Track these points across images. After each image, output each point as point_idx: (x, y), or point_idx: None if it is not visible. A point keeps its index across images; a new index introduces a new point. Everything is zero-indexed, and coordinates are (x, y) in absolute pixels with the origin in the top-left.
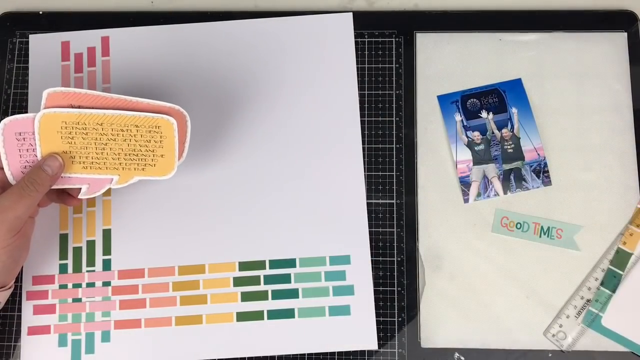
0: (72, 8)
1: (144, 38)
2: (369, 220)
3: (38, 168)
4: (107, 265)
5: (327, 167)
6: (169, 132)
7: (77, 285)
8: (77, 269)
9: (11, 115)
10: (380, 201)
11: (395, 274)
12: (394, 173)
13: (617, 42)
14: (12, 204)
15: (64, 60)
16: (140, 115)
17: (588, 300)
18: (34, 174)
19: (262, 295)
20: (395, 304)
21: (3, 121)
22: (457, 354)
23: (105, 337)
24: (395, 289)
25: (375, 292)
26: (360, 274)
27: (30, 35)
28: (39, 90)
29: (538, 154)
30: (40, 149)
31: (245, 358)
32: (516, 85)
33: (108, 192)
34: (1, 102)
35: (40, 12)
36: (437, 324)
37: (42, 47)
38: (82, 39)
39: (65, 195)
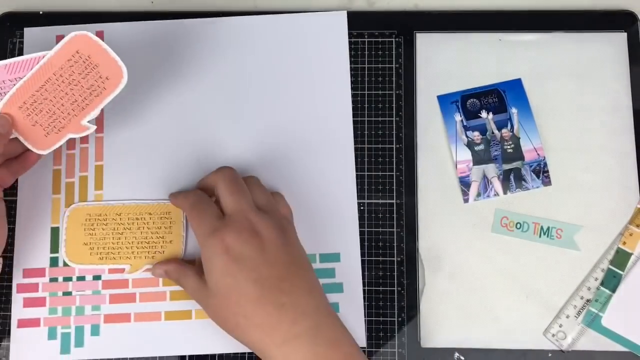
0: (72, 8)
1: (138, 33)
2: (368, 220)
3: None
4: None
5: (318, 164)
6: (177, 217)
7: (67, 279)
8: None
9: None
10: (380, 201)
11: (395, 274)
12: (394, 173)
13: (617, 42)
14: None
15: None
16: (153, 203)
17: (588, 300)
18: None
19: None
20: (395, 304)
21: None
22: (457, 354)
23: (95, 330)
24: (395, 289)
25: (375, 292)
26: (350, 272)
27: (25, 29)
28: None
29: (538, 154)
30: (65, 240)
31: (233, 354)
32: (516, 86)
33: (99, 186)
34: None
35: (41, 12)
36: (437, 324)
37: (37, 40)
38: None
39: (23, 159)
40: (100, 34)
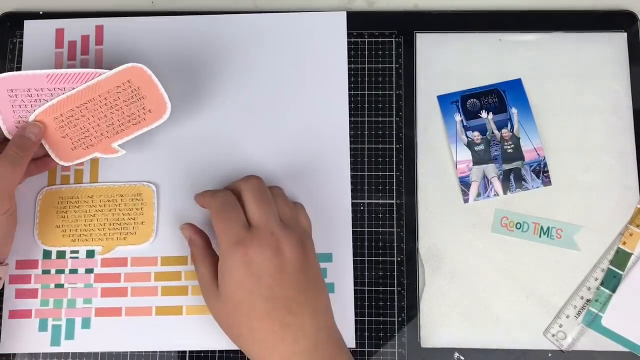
0: (72, 8)
1: (137, 29)
2: (368, 220)
3: (22, 136)
4: (90, 252)
5: (313, 165)
6: (149, 199)
7: (60, 271)
8: (61, 255)
9: None
10: (380, 201)
11: (395, 274)
12: (394, 173)
13: (617, 42)
14: (5, 172)
15: (57, 47)
16: (124, 185)
17: (588, 300)
18: (20, 141)
19: None
20: (395, 304)
21: None
22: (457, 354)
23: (86, 323)
24: (395, 289)
25: (375, 292)
26: (341, 272)
27: (26, 22)
28: None
29: (538, 154)
30: (38, 222)
31: (224, 351)
32: (516, 85)
33: (94, 179)
34: None
35: (41, 12)
36: (437, 324)
37: (37, 33)
38: (77, 27)
39: (41, 163)
40: (100, 29)
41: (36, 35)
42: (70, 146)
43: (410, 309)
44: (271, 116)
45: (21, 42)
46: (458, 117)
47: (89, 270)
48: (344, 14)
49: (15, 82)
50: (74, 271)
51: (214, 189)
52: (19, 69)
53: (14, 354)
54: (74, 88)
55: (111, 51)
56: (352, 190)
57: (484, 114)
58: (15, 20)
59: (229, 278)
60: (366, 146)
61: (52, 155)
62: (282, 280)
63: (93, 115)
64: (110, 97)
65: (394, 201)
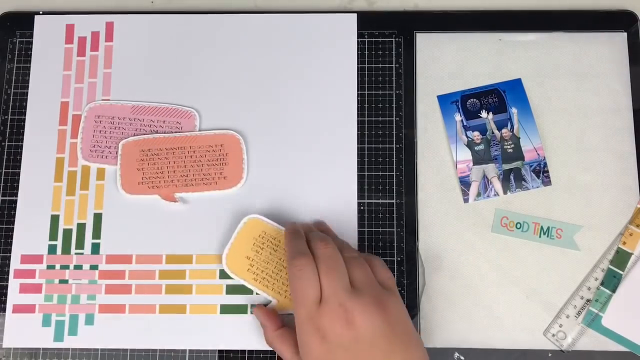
0: (72, 8)
1: (147, 26)
2: (369, 220)
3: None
4: (95, 249)
5: (321, 165)
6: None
7: (64, 267)
8: (66, 250)
9: (11, 113)
10: (380, 201)
11: (395, 274)
12: (394, 173)
13: (617, 42)
14: None
15: (67, 42)
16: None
17: (588, 300)
18: None
19: (247, 289)
20: None
21: (89, 104)
22: (457, 354)
23: (89, 320)
24: None
25: None
26: None
27: (36, 16)
28: (41, 71)
29: (538, 154)
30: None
31: (226, 350)
32: (516, 85)
33: (101, 176)
34: (1, 102)
35: (41, 12)
36: (437, 324)
37: (47, 28)
38: (87, 23)
39: None
40: (110, 26)
41: (46, 31)
42: (138, 180)
43: (410, 309)
44: (280, 114)
45: (21, 42)
46: (458, 117)
47: (94, 267)
48: (354, 16)
49: (105, 109)
50: (78, 267)
51: (293, 241)
52: (19, 68)
53: (17, 349)
54: (152, 120)
55: (120, 48)
56: None
57: (484, 114)
58: (15, 20)
59: (308, 354)
60: (366, 146)
61: (118, 181)
62: (358, 351)
63: (174, 162)
64: (199, 152)
65: (394, 201)
